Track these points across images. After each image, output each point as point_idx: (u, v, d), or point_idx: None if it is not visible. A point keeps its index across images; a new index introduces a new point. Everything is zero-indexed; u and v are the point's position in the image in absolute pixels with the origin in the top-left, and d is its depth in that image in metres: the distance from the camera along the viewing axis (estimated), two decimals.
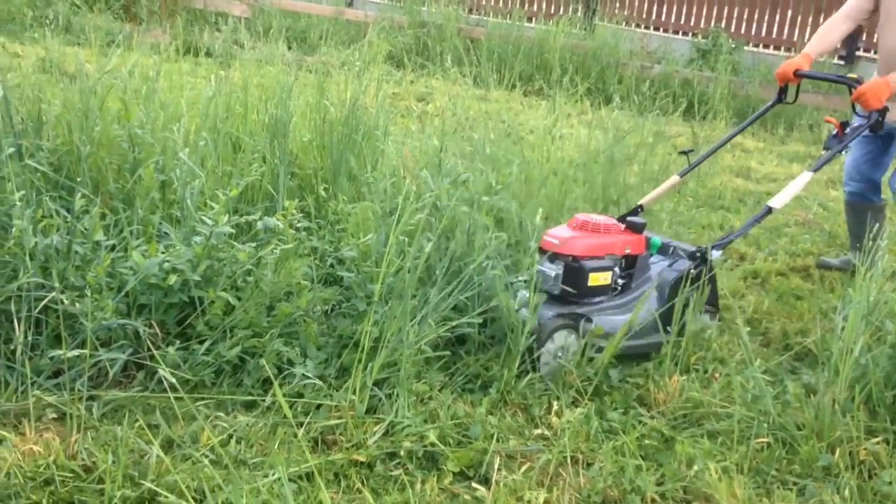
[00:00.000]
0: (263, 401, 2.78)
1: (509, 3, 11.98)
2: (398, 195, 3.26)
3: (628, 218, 3.58)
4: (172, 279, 2.87)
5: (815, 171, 3.75)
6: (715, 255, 3.50)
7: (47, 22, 8.27)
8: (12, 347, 2.69)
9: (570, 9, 11.39)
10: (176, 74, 4.76)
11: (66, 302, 2.70)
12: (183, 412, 2.63)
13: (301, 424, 2.66)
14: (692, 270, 3.43)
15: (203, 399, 2.75)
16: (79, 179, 3.41)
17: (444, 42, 9.88)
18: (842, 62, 10.13)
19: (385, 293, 2.98)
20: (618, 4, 11.40)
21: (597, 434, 2.83)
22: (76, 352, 2.64)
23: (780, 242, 5.16)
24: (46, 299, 2.72)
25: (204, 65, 6.03)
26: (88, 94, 3.64)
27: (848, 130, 3.88)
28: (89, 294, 2.74)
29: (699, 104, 8.50)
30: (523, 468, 2.61)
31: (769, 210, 3.61)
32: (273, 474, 2.35)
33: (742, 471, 2.67)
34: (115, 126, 3.67)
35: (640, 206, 3.94)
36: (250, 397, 2.80)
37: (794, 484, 2.67)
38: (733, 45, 10.01)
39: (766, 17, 11.04)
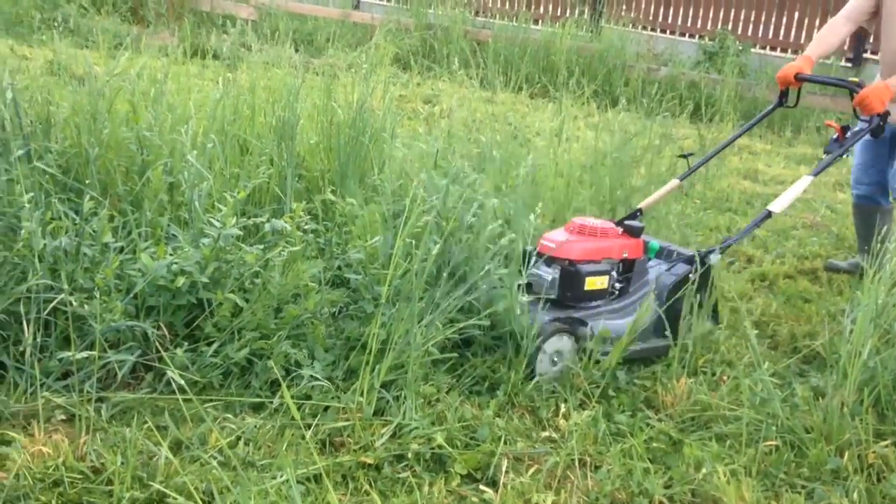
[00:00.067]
0: (271, 402, 2.78)
1: (515, 5, 11.98)
2: (405, 197, 3.26)
3: (626, 222, 3.57)
4: (180, 281, 2.88)
5: (816, 174, 3.74)
6: (713, 258, 3.48)
7: (55, 24, 8.29)
8: (21, 349, 2.70)
9: (577, 11, 11.39)
10: (183, 77, 4.77)
11: (74, 304, 2.70)
12: (191, 414, 2.64)
13: (309, 426, 2.66)
14: (690, 274, 3.41)
15: (211, 401, 2.76)
16: (87, 181, 3.42)
17: (450, 44, 9.89)
18: (849, 65, 10.11)
19: (392, 295, 2.99)
20: (624, 7, 11.38)
21: (604, 437, 2.82)
22: (85, 353, 2.64)
23: (788, 245, 5.15)
24: (55, 301, 2.73)
25: (211, 67, 6.05)
26: (97, 97, 3.66)
27: (849, 134, 3.87)
28: (98, 296, 2.75)
29: (706, 106, 8.48)
30: (531, 471, 2.61)
31: (769, 214, 3.59)
32: (281, 476, 2.36)
33: (750, 474, 2.67)
34: (123, 128, 3.69)
35: (640, 210, 3.94)
36: (258, 399, 2.80)
37: (803, 487, 2.66)
38: (740, 48, 9.99)
39: (773, 20, 11.01)
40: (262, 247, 3.13)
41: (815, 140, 8.18)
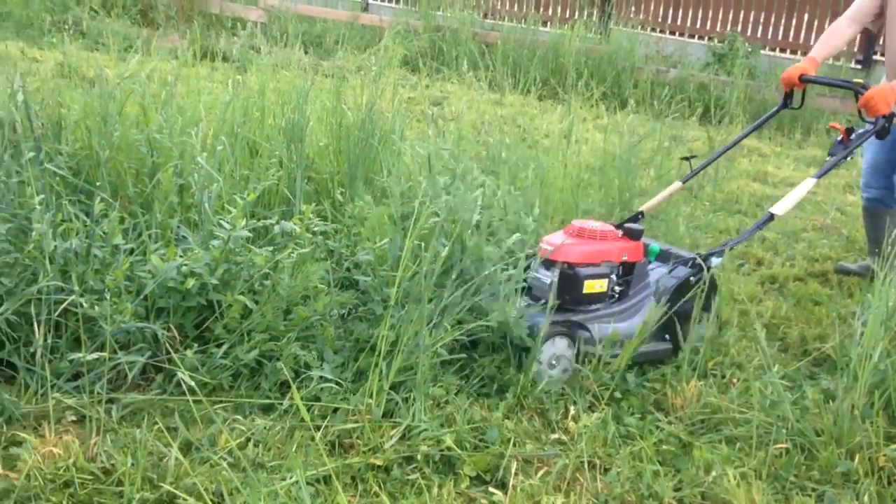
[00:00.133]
0: (281, 404, 2.79)
1: (524, 7, 11.98)
2: (414, 199, 3.26)
3: (625, 224, 3.55)
4: (190, 283, 2.89)
5: (819, 177, 3.71)
6: (714, 261, 3.45)
7: (65, 27, 8.33)
8: (32, 350, 2.71)
9: (586, 13, 11.38)
10: (193, 79, 4.79)
11: (85, 305, 2.71)
12: (201, 415, 2.64)
13: (318, 428, 2.66)
14: (692, 277, 3.40)
15: (221, 402, 2.76)
16: (98, 183, 3.43)
17: (459, 46, 9.89)
18: (859, 66, 10.07)
19: (401, 297, 2.99)
20: (633, 8, 11.37)
21: (614, 439, 2.82)
22: (95, 355, 2.65)
23: (798, 247, 5.13)
24: (66, 303, 2.74)
25: (221, 70, 6.06)
26: (107, 99, 3.67)
27: (853, 136, 3.86)
28: (108, 297, 2.76)
29: (715, 108, 8.47)
30: (540, 473, 2.61)
31: (771, 217, 3.56)
32: (291, 477, 2.36)
33: (760, 477, 2.66)
34: (133, 131, 3.70)
35: (641, 213, 3.92)
36: (268, 400, 2.81)
37: (813, 490, 2.65)
38: (749, 49, 9.96)
39: (783, 21, 10.98)
40: (271, 249, 3.14)
41: (825, 142, 8.15)
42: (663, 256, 3.64)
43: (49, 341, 2.74)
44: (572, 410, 2.95)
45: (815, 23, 10.71)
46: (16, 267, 2.86)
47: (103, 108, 3.64)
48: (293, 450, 2.56)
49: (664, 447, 2.80)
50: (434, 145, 3.81)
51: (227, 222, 3.06)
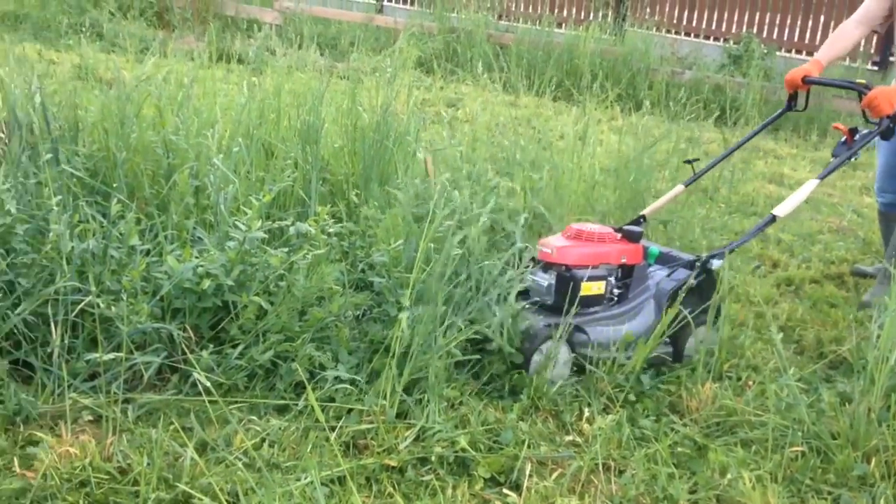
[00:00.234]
0: (296, 405, 2.79)
1: (539, 9, 11.97)
2: (429, 201, 3.26)
3: (625, 227, 3.53)
4: (206, 284, 2.90)
5: (822, 178, 3.68)
6: (715, 264, 3.42)
7: (82, 29, 8.39)
8: (49, 350, 2.73)
9: (600, 14, 11.36)
10: (209, 81, 4.80)
11: (101, 306, 2.73)
12: (216, 415, 2.66)
13: (333, 429, 2.67)
14: (692, 280, 3.38)
15: (236, 403, 2.77)
16: (115, 185, 3.45)
17: (473, 48, 9.90)
18: (875, 68, 10.01)
19: (416, 299, 2.99)
20: (648, 10, 11.34)
21: (629, 441, 2.81)
22: (112, 355, 2.67)
23: (814, 249, 5.11)
24: (83, 303, 2.75)
25: (236, 71, 6.08)
26: (124, 101, 3.69)
27: (857, 137, 3.83)
28: (125, 298, 2.77)
29: (731, 110, 8.44)
30: (554, 475, 2.61)
31: (773, 218, 3.52)
32: (305, 478, 2.37)
33: (776, 480, 2.65)
34: (150, 132, 3.72)
35: (643, 216, 3.90)
36: (283, 401, 2.82)
37: (829, 493, 2.64)
38: (765, 51, 9.92)
39: (799, 23, 10.93)
40: (286, 250, 3.15)
41: None
42: (663, 259, 3.61)
43: (66, 341, 2.76)
44: (587, 412, 2.95)
45: (832, 24, 10.65)
46: (33, 267, 2.88)
47: (120, 109, 3.66)
48: (308, 450, 2.57)
49: (679, 449, 2.79)
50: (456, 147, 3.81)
51: (243, 223, 3.07)
